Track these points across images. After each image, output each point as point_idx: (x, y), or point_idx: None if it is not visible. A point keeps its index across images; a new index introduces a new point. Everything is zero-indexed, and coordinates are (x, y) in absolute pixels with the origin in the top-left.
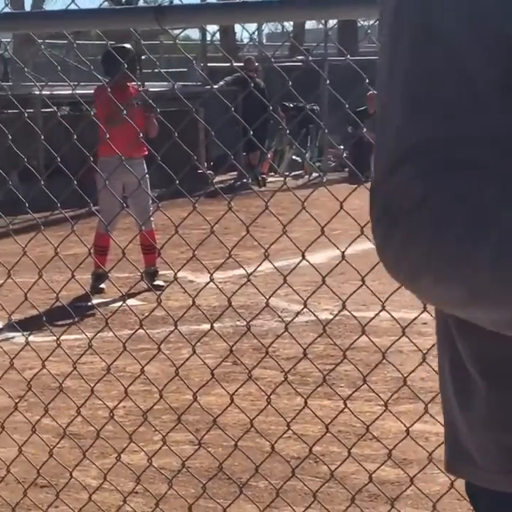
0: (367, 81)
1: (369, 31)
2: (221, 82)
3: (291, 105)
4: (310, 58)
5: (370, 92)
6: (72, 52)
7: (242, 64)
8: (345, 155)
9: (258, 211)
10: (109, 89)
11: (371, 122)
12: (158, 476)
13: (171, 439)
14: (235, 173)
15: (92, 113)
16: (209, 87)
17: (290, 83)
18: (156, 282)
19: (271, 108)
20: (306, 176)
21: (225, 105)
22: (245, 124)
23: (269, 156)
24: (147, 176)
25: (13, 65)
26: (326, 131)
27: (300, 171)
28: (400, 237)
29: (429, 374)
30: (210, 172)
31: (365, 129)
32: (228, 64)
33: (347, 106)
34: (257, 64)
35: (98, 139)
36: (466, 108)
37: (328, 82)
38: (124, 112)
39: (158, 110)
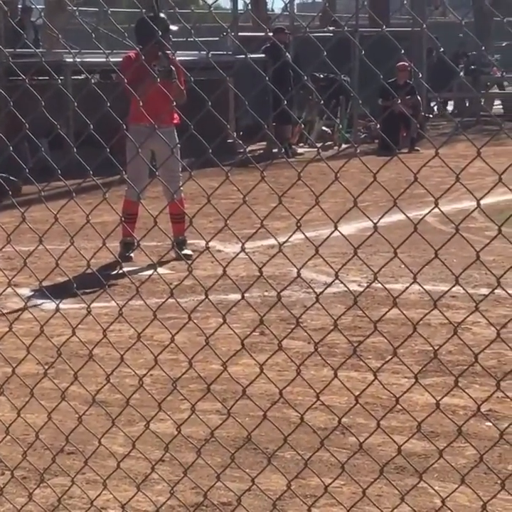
0: (402, 52)
1: (405, 2)
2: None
3: (321, 76)
4: (346, 29)
5: (400, 63)
6: (102, 20)
7: (272, 34)
8: (378, 126)
9: (287, 181)
10: (133, 57)
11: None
12: (185, 444)
13: (198, 408)
14: (264, 143)
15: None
16: (240, 56)
17: (325, 53)
18: (185, 251)
19: (305, 78)
20: (336, 147)
21: (254, 75)
22: (280, 94)
23: (302, 127)
24: (178, 145)
25: (43, 32)
26: (361, 102)
27: (329, 142)
28: None
29: (457, 347)
30: (240, 142)
31: (399, 101)
32: (259, 34)
33: (381, 77)
34: (288, 33)
35: (127, 107)
36: None
37: (363, 52)
38: (157, 79)
39: (189, 78)
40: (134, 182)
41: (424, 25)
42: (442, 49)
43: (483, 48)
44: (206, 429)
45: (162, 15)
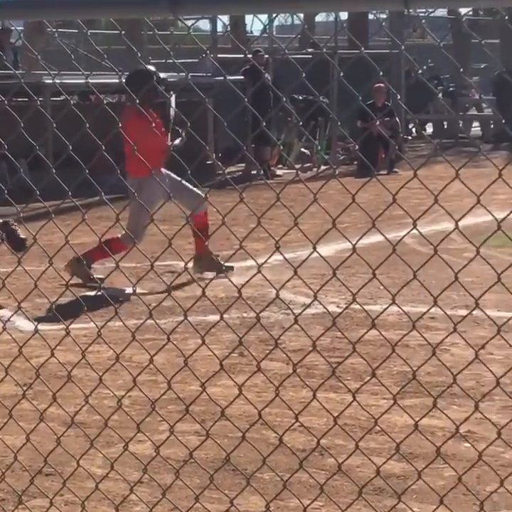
0: (381, 73)
1: (384, 23)
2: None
3: (300, 97)
4: (324, 50)
5: (376, 85)
6: (82, 41)
7: (250, 56)
8: (356, 147)
9: (266, 203)
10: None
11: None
12: (163, 466)
13: (177, 429)
14: (243, 164)
15: (105, 102)
16: (219, 78)
17: (304, 75)
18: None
19: (285, 100)
20: (315, 169)
21: (233, 96)
22: (259, 116)
23: (281, 148)
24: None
25: (22, 54)
26: (339, 123)
27: (308, 164)
28: None
29: (436, 368)
30: (219, 163)
31: (378, 123)
32: (238, 55)
33: (360, 98)
34: (266, 56)
35: (107, 128)
36: None
37: (341, 74)
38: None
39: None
40: (136, 231)
41: (403, 47)
42: (420, 71)
43: (462, 70)
44: (185, 451)
45: (151, 67)
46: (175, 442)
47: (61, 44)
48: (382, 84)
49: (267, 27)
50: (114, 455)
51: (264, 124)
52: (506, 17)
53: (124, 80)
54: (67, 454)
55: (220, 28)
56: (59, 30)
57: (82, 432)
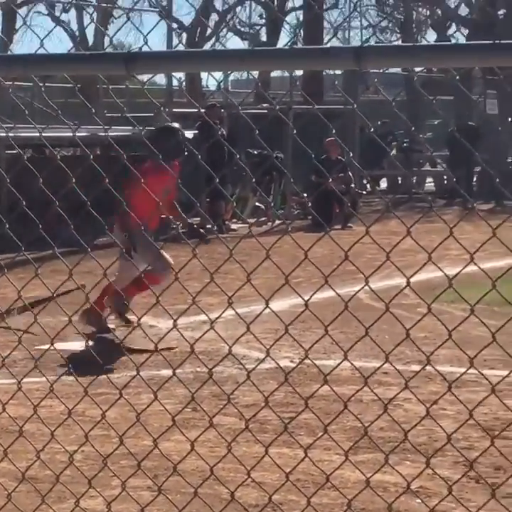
0: (333, 131)
1: (336, 82)
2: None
3: (255, 152)
4: (277, 107)
5: (329, 139)
6: (37, 95)
7: (205, 110)
8: (309, 204)
9: (221, 257)
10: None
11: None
12: None
13: (129, 484)
14: (198, 218)
15: (58, 157)
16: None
17: (257, 132)
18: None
19: (238, 156)
20: (269, 223)
21: (187, 151)
22: (212, 172)
23: (234, 204)
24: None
25: None
26: (292, 180)
27: (263, 218)
28: None
29: (388, 424)
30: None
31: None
32: (193, 110)
33: (313, 155)
34: (222, 111)
35: (62, 182)
36: None
37: (294, 131)
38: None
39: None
40: (159, 265)
41: (356, 106)
42: (372, 129)
43: (414, 127)
44: (137, 506)
45: (176, 125)
46: (127, 498)
47: (15, 99)
48: (333, 138)
49: (222, 83)
50: (65, 511)
51: (218, 180)
52: (457, 77)
53: (148, 134)
54: (18, 509)
55: (175, 82)
56: (14, 83)
57: (34, 487)
